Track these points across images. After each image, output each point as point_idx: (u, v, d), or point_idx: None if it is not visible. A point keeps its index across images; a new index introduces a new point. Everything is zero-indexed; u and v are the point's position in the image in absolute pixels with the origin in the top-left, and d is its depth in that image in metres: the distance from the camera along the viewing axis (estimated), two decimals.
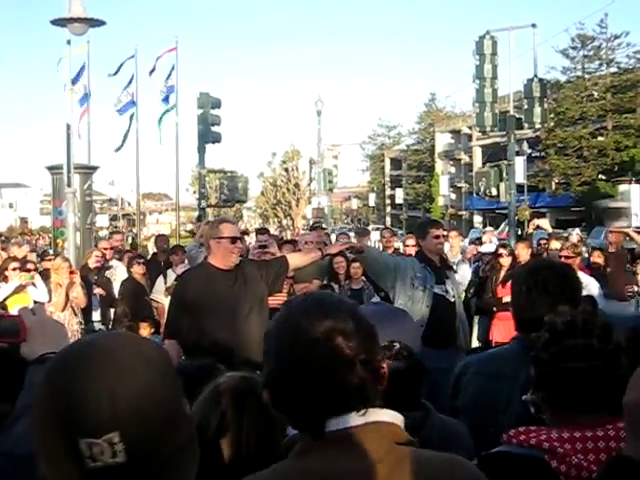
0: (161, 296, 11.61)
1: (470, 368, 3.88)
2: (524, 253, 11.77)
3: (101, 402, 1.55)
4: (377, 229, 38.71)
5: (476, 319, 12.03)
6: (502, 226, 43.77)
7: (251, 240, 16.40)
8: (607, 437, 2.29)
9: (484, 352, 4.51)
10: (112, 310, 11.92)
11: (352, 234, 17.57)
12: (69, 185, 15.93)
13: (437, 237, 8.32)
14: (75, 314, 10.76)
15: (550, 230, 15.82)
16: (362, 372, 1.87)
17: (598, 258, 12.52)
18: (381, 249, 14.00)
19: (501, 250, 11.31)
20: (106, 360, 1.60)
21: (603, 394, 2.36)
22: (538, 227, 15.42)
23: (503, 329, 10.66)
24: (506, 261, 11.01)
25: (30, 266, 12.07)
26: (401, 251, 13.51)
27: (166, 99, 32.16)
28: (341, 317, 1.90)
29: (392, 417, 1.94)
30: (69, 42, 16.19)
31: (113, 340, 1.71)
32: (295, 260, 7.49)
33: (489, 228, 39.22)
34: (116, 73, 34.23)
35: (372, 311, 3.13)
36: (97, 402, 1.55)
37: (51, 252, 18.89)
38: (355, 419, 1.87)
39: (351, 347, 1.86)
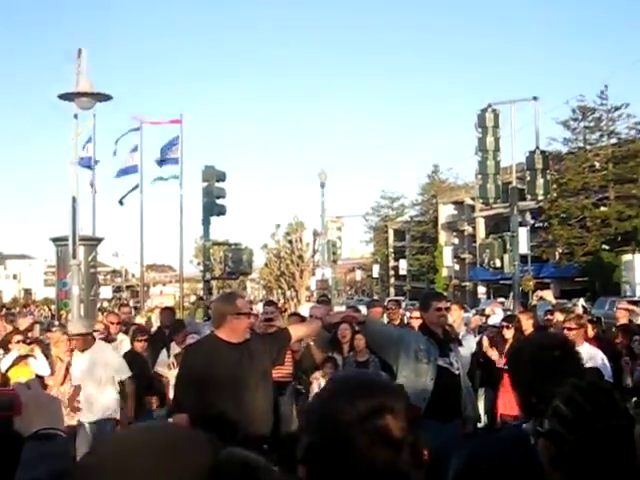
0: (165, 369, 11.56)
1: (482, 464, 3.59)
2: (528, 324, 11.76)
3: None
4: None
5: (481, 391, 11.97)
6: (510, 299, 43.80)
7: (256, 311, 16.41)
8: None
9: (489, 439, 4.26)
10: None
11: (362, 307, 17.41)
12: (74, 257, 15.97)
13: (439, 309, 8.30)
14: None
15: (554, 302, 15.78)
16: (408, 456, 1.74)
17: (591, 331, 12.30)
18: (386, 320, 13.99)
19: (504, 323, 11.34)
20: (170, 451, 1.47)
21: (621, 469, 2.28)
22: (542, 298, 15.42)
23: (509, 401, 10.61)
24: (509, 334, 11.01)
25: (33, 339, 12.06)
26: (406, 322, 13.48)
27: (161, 162, 32.19)
28: (391, 395, 1.79)
29: None
30: (76, 116, 16.36)
31: (171, 431, 1.57)
32: (297, 332, 7.59)
33: (501, 299, 39.08)
34: (117, 142, 34.47)
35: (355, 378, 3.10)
36: None
37: (57, 324, 18.88)
38: None
39: (400, 427, 1.73)
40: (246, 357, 6.77)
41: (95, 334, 12.19)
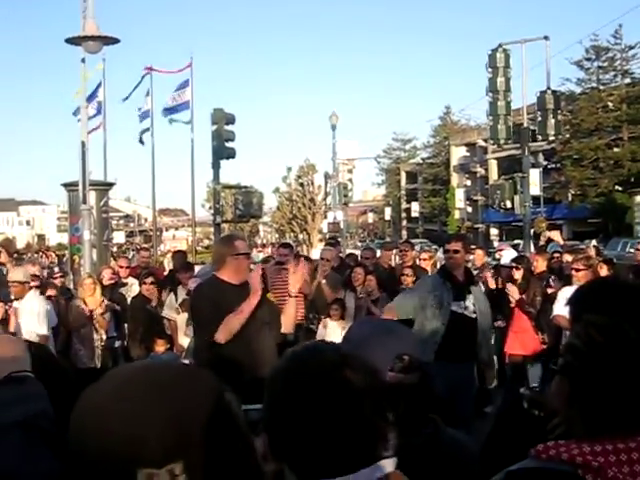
0: (172, 313, 11.59)
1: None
2: (542, 265, 11.87)
3: (166, 428, 1.42)
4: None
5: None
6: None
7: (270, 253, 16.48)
8: None
9: None
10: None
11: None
12: (84, 202, 16.00)
13: (447, 251, 8.30)
14: (96, 331, 11.07)
15: (562, 242, 15.77)
16: (370, 410, 1.75)
17: (606, 272, 12.29)
18: (399, 261, 14.14)
19: (513, 264, 11.36)
20: (170, 385, 1.49)
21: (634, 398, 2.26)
22: (550, 239, 15.42)
23: (517, 341, 10.68)
24: (518, 274, 11.04)
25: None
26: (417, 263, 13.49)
27: (171, 110, 32.29)
28: (347, 353, 1.83)
29: (393, 464, 1.84)
30: (84, 60, 16.27)
31: (170, 368, 1.61)
32: (285, 325, 7.27)
33: (517, 241, 39.06)
34: (127, 97, 34.48)
35: (372, 327, 3.10)
36: (162, 428, 1.42)
37: (56, 270, 19.06)
38: (369, 474, 1.74)
39: (360, 381, 1.76)
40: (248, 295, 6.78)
41: (105, 279, 12.37)
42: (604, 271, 12.03)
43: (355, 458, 1.73)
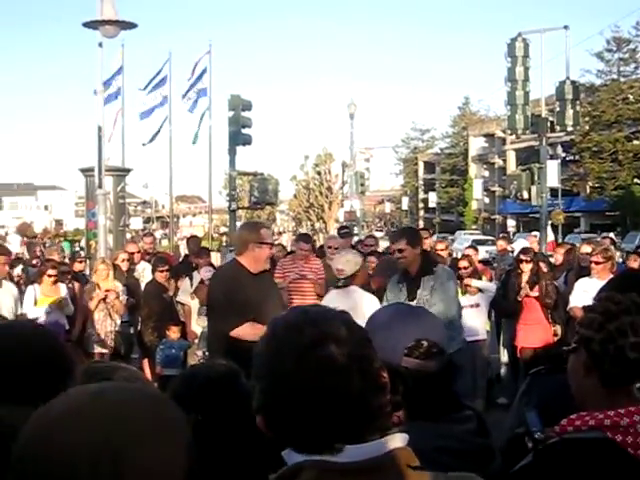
0: (187, 298, 11.58)
1: None
2: (560, 258, 11.85)
3: (102, 466, 1.31)
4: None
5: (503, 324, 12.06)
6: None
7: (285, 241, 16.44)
8: None
9: None
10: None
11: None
12: (100, 187, 16.01)
13: (392, 251, 8.30)
14: (110, 316, 11.17)
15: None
16: (360, 382, 1.69)
17: (634, 262, 12.32)
18: None
19: (522, 256, 11.17)
20: (115, 417, 1.37)
21: None
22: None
23: (529, 334, 10.63)
24: (526, 267, 10.89)
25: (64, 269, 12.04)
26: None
27: (195, 103, 32.40)
28: (331, 324, 1.74)
29: (403, 440, 1.76)
30: (101, 45, 16.24)
31: (125, 393, 1.48)
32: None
33: (534, 233, 38.89)
34: (153, 83, 34.41)
35: (393, 310, 3.04)
36: (96, 465, 1.31)
37: (82, 254, 19.08)
38: (372, 448, 1.68)
39: (345, 354, 1.68)
40: (265, 285, 6.84)
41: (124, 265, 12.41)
42: (636, 264, 12.03)
43: (352, 432, 1.68)
